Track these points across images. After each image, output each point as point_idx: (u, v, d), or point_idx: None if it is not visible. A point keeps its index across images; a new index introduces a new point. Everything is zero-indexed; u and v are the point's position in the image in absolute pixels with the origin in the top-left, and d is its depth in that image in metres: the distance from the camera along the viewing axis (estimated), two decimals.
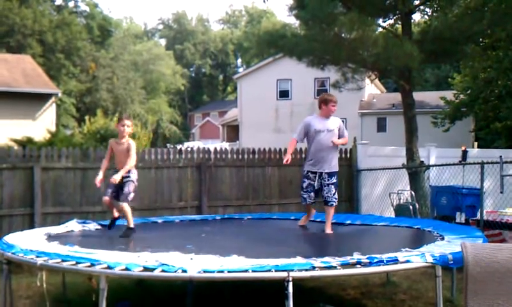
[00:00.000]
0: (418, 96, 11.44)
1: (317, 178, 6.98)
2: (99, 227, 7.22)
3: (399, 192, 10.20)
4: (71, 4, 52.40)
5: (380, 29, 11.55)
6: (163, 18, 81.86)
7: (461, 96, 24.57)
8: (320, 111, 7.10)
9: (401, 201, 10.12)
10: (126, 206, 6.51)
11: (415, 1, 11.67)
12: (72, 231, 6.78)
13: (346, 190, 11.40)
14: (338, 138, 7.07)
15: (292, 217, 7.85)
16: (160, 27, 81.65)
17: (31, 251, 4.76)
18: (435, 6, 12.14)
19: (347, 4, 10.37)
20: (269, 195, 10.89)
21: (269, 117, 34.41)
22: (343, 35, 10.05)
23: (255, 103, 34.84)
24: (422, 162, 10.78)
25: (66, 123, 40.79)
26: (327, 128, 6.97)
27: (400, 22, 11.93)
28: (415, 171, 10.57)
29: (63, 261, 4.41)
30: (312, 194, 7.02)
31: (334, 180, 7.04)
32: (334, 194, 7.00)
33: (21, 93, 22.04)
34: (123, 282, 6.77)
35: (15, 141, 12.84)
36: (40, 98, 22.73)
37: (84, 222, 7.23)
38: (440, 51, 11.20)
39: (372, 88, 36.05)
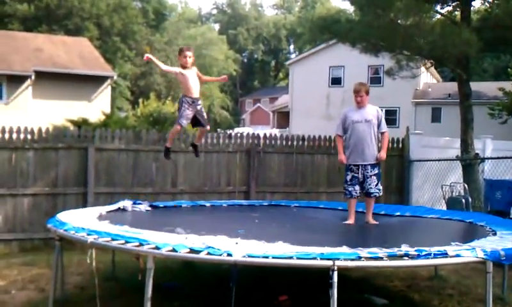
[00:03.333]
0: (475, 86, 11.03)
1: (360, 170, 6.87)
2: (150, 208, 7.36)
3: (452, 184, 9.93)
4: None
5: (438, 16, 11.20)
6: (217, 3, 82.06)
7: None
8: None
9: (453, 194, 9.85)
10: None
11: None
12: (123, 210, 6.95)
13: (396, 181, 11.20)
14: (378, 127, 6.93)
15: (340, 208, 7.75)
16: (214, 11, 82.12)
17: (82, 228, 4.89)
18: None
19: None
20: (317, 183, 10.82)
21: (320, 104, 34.11)
22: (399, 21, 9.81)
23: (307, 90, 34.61)
24: (477, 154, 10.46)
25: (121, 105, 41.76)
26: (365, 119, 6.86)
27: (459, 9, 11.53)
28: (469, 163, 10.27)
29: (113, 239, 4.52)
30: (357, 187, 6.89)
31: (377, 170, 6.94)
32: (377, 185, 6.92)
33: (78, 75, 22.67)
34: (171, 264, 6.93)
35: (71, 121, 13.24)
36: (96, 81, 23.33)
37: (135, 202, 7.38)
38: (499, 39, 10.80)
39: (427, 77, 35.12)
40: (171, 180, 9.95)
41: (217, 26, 79.18)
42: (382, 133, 7.03)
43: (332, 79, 34.89)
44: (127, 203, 7.22)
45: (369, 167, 6.87)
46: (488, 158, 10.22)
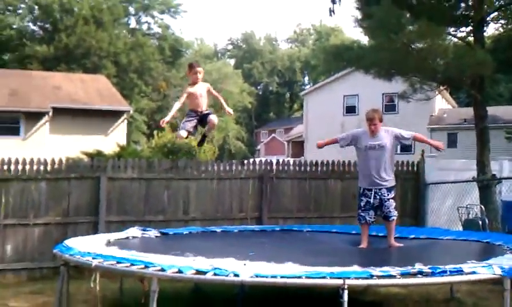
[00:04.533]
0: (491, 110, 10.84)
1: (373, 195, 6.72)
2: (159, 234, 7.27)
3: (468, 206, 9.68)
4: (144, 26, 54.31)
5: (451, 39, 11.11)
6: (232, 39, 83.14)
7: None
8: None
9: (470, 216, 9.59)
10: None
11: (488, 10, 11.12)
12: (132, 237, 6.86)
13: (412, 204, 10.96)
14: (403, 140, 6.92)
15: (353, 232, 7.58)
16: (230, 47, 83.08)
17: (88, 253, 4.83)
18: (509, 14, 11.52)
19: (415, 12, 10.05)
20: (331, 208, 10.63)
21: (335, 133, 33.61)
22: (411, 45, 9.73)
23: (321, 119, 34.56)
24: (494, 175, 10.22)
25: (137, 139, 42.07)
26: (378, 144, 6.73)
27: (472, 34, 11.41)
28: (486, 184, 10.02)
29: (118, 263, 4.43)
30: (372, 212, 6.76)
31: (393, 194, 6.82)
32: (394, 208, 6.79)
33: (95, 110, 23.01)
34: (182, 290, 6.79)
35: (85, 153, 13.32)
36: (113, 115, 23.62)
37: (144, 230, 7.30)
38: None
39: (442, 103, 34.92)
40: (182, 207, 9.86)
41: (232, 61, 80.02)
42: (413, 138, 6.98)
43: (346, 108, 34.86)
44: (135, 231, 7.14)
45: (385, 190, 6.73)
46: (505, 179, 9.98)
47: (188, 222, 9.60)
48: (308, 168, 10.69)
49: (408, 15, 10.42)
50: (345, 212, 10.38)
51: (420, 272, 4.00)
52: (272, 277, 3.98)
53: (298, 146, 39.28)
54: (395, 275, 3.96)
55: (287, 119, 68.74)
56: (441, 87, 13.49)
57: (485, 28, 11.30)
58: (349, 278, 3.85)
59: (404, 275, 3.99)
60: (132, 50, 46.62)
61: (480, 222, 8.86)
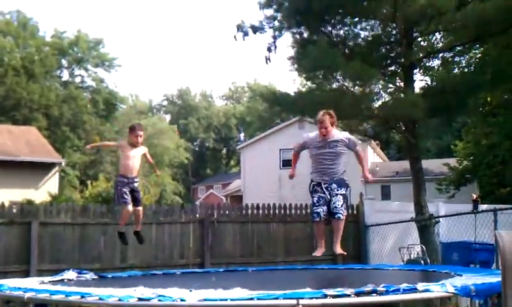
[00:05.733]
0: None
1: (324, 189, 6.29)
2: (96, 277, 6.85)
3: (409, 246, 9.83)
4: (77, 79, 53.30)
5: (383, 83, 11.58)
6: (168, 95, 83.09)
7: (465, 162, 24.44)
8: None
9: (412, 256, 9.73)
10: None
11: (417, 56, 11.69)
12: (68, 280, 6.42)
13: (354, 246, 11.00)
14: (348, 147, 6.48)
15: (299, 268, 7.45)
16: (165, 103, 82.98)
17: (19, 288, 4.43)
18: (438, 59, 12.18)
19: (348, 57, 10.41)
20: (274, 252, 10.49)
21: (273, 186, 34.15)
22: (347, 86, 10.05)
23: (258, 173, 34.72)
24: (431, 215, 10.48)
25: (69, 195, 40.51)
26: (328, 150, 6.38)
27: (403, 82, 11.93)
28: (425, 224, 10.25)
29: (52, 295, 4.08)
30: (325, 207, 6.23)
31: (343, 191, 6.38)
32: (342, 205, 6.30)
33: (24, 162, 22.05)
34: None
35: (14, 203, 12.58)
36: (43, 168, 22.71)
37: (80, 272, 6.88)
38: (442, 105, 11.15)
39: (374, 157, 36.05)
40: (120, 254, 9.43)
41: (168, 116, 79.81)
42: (356, 153, 6.55)
43: (283, 161, 35.19)
44: (71, 273, 6.71)
45: (335, 185, 6.28)
46: (443, 216, 10.26)
47: (126, 269, 9.17)
48: (250, 211, 10.57)
49: (341, 60, 10.80)
50: (289, 256, 10.26)
51: (374, 291, 3.91)
52: (221, 300, 3.77)
53: (237, 201, 39.06)
54: (349, 294, 3.85)
55: (224, 174, 68.69)
56: (369, 141, 13.90)
57: (414, 76, 11.88)
58: (303, 298, 3.70)
59: (358, 294, 3.88)
60: (65, 102, 45.54)
61: (422, 262, 8.97)
